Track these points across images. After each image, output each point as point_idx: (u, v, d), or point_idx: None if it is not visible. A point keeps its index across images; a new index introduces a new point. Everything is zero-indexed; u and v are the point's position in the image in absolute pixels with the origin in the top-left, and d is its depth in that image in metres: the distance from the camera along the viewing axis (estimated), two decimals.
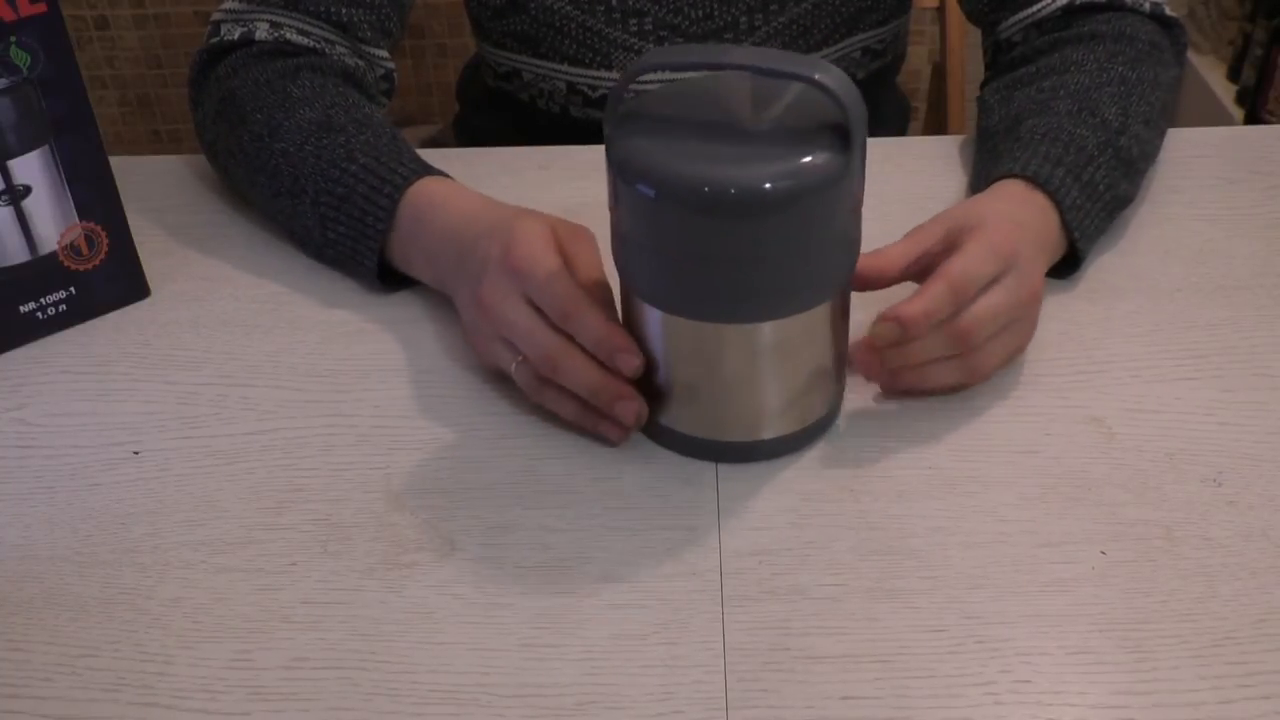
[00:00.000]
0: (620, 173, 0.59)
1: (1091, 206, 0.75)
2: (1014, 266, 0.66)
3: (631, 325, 0.64)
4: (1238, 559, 0.59)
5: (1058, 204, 0.73)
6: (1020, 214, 0.71)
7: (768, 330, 0.61)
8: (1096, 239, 0.77)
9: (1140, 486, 0.63)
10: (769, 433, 0.65)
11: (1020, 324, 0.68)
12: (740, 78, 0.64)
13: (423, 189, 0.75)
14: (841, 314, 0.63)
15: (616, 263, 0.63)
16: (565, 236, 0.67)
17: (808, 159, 0.57)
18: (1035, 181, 0.73)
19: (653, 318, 0.62)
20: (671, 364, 0.63)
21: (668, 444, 0.66)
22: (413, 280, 0.78)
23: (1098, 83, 0.80)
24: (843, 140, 0.58)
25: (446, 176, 0.78)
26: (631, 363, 0.63)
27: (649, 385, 0.65)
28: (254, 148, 0.80)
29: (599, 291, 0.65)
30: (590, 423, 0.66)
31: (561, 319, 0.64)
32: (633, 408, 0.64)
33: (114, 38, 2.10)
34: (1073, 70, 0.81)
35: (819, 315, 0.61)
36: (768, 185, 0.56)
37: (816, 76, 0.57)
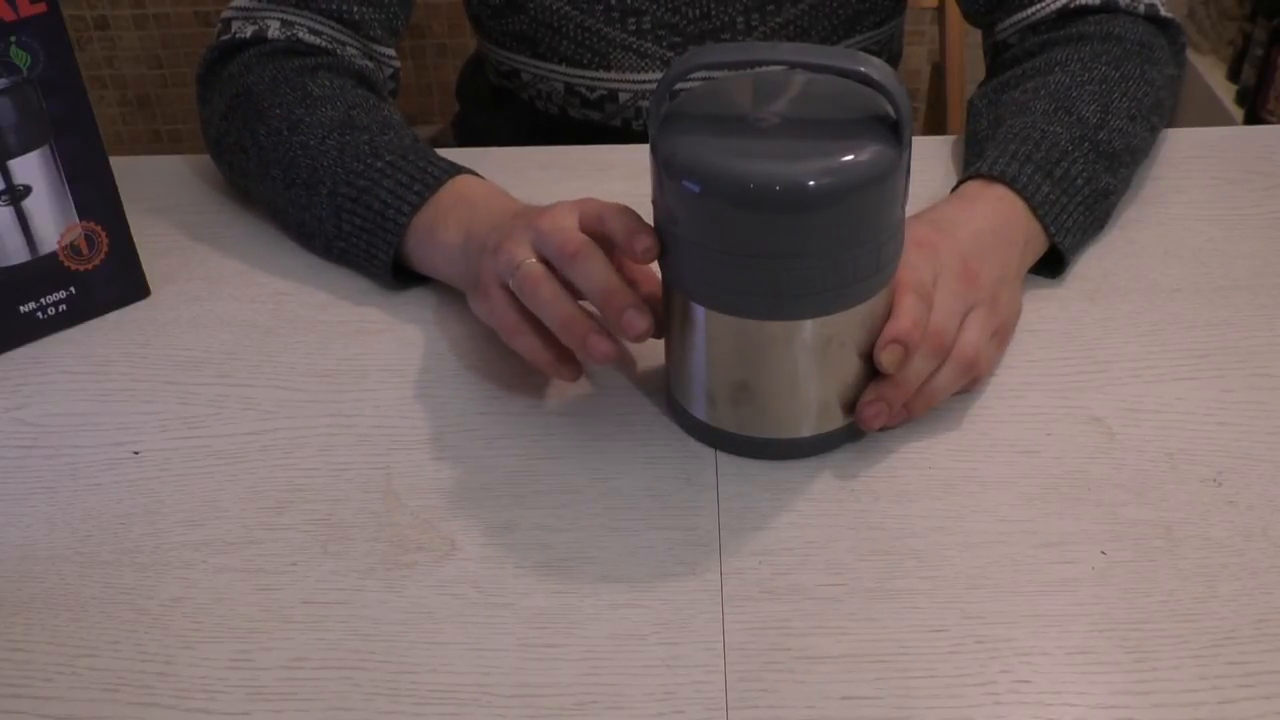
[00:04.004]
0: (665, 168, 0.59)
1: (1069, 201, 0.75)
2: (946, 268, 0.66)
3: (674, 322, 0.64)
4: (1238, 559, 0.59)
5: (1027, 200, 0.73)
6: (962, 214, 0.71)
7: (812, 327, 0.61)
8: (1082, 233, 0.77)
9: (1140, 486, 0.63)
10: (812, 429, 0.65)
11: (992, 301, 0.68)
12: (781, 74, 0.64)
13: (459, 185, 0.76)
14: (886, 310, 0.63)
15: (659, 260, 0.63)
16: (600, 210, 0.65)
17: (853, 154, 0.57)
18: (1003, 180, 0.73)
19: (696, 315, 0.62)
20: (715, 361, 0.63)
21: (708, 440, 0.66)
22: (419, 279, 0.78)
23: (1078, 81, 0.80)
24: (887, 134, 0.58)
25: (479, 175, 0.78)
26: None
27: (690, 381, 0.65)
28: (271, 141, 0.80)
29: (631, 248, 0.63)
30: (578, 336, 0.63)
31: (564, 261, 0.63)
32: (643, 321, 0.62)
33: (114, 38, 2.10)
34: (1056, 71, 0.82)
35: (864, 311, 0.61)
36: (811, 182, 0.56)
37: (863, 70, 0.57)
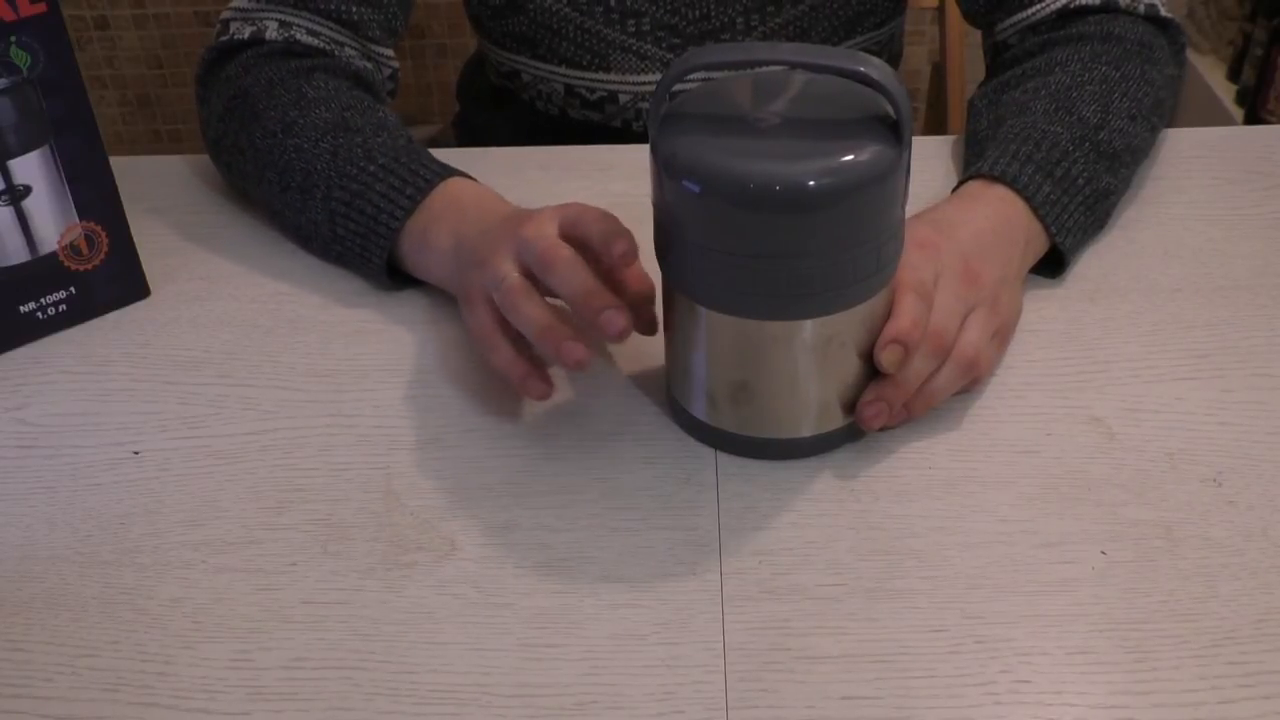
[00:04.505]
0: (665, 169, 0.59)
1: (1069, 201, 0.75)
2: (947, 268, 0.66)
3: (674, 322, 0.64)
4: (1238, 559, 0.59)
5: (1028, 200, 0.73)
6: (963, 214, 0.71)
7: (812, 327, 0.61)
8: (1083, 233, 0.77)
9: (1140, 486, 0.63)
10: (812, 429, 0.65)
11: (994, 301, 0.68)
12: (781, 74, 0.64)
13: (451, 189, 0.76)
14: (886, 310, 0.63)
15: (659, 260, 0.63)
16: (578, 215, 0.66)
17: (853, 154, 0.57)
18: (1004, 180, 0.73)
19: (697, 315, 0.62)
20: (715, 361, 0.63)
21: (708, 440, 0.66)
22: (417, 281, 0.78)
23: (1079, 82, 0.80)
24: (887, 134, 0.58)
25: (470, 178, 0.78)
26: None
27: (690, 381, 0.65)
28: (266, 144, 0.80)
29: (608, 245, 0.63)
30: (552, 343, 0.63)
31: (543, 270, 0.64)
32: (620, 320, 0.61)
33: (114, 38, 2.10)
34: (1056, 71, 0.82)
35: (864, 311, 0.61)
36: (811, 182, 0.56)
37: (863, 70, 0.57)
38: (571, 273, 0.63)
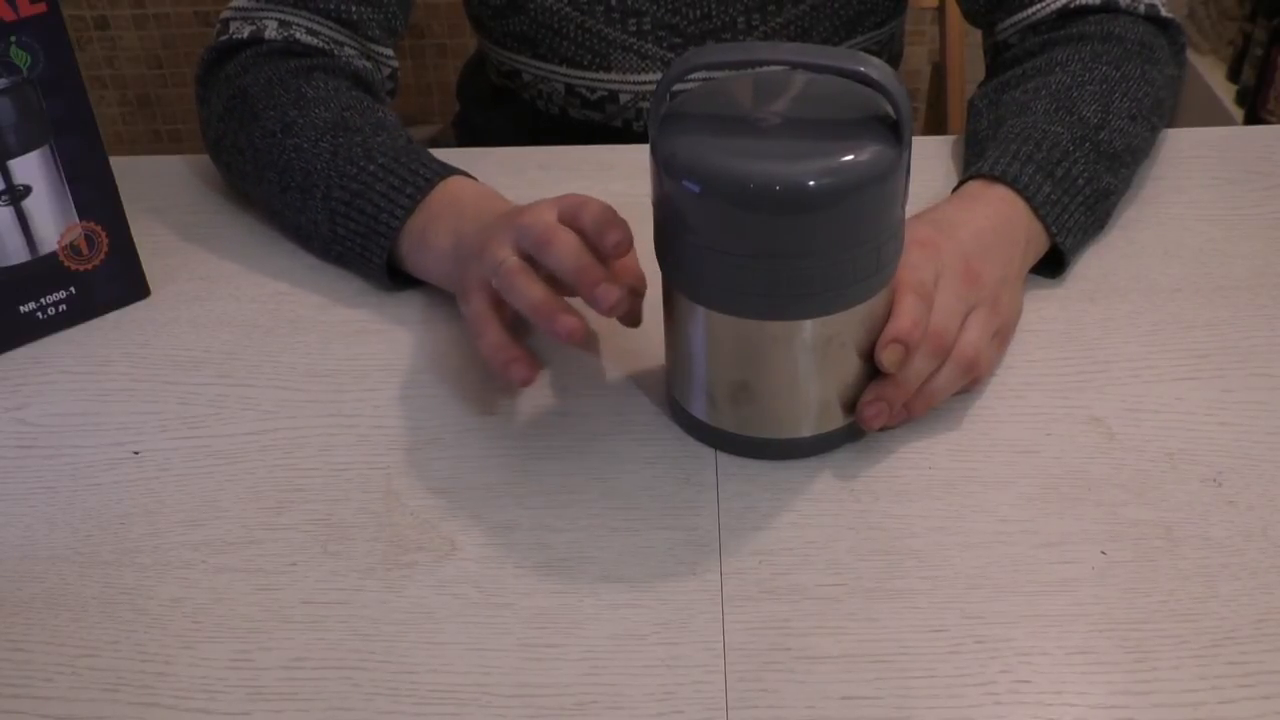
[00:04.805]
0: (665, 168, 0.59)
1: (1070, 201, 0.75)
2: (948, 267, 0.67)
3: (674, 322, 0.64)
4: (1238, 559, 0.59)
5: (1029, 200, 0.73)
6: (964, 214, 0.72)
7: (812, 327, 0.61)
8: (1083, 233, 0.77)
9: (1140, 486, 0.63)
10: (812, 429, 0.65)
11: (994, 301, 0.68)
12: (781, 74, 0.64)
13: (450, 187, 0.76)
14: (886, 310, 0.63)
15: (659, 260, 0.63)
16: (578, 205, 0.66)
17: (853, 154, 0.57)
18: (1004, 180, 0.73)
19: (696, 315, 0.62)
20: (715, 361, 0.63)
21: (708, 440, 0.66)
22: (418, 280, 0.78)
23: (1079, 82, 0.80)
24: (887, 134, 0.58)
25: (470, 176, 0.78)
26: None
27: (690, 381, 0.65)
28: (265, 144, 0.81)
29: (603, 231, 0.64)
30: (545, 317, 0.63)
31: (540, 249, 0.64)
32: (614, 292, 0.62)
33: (114, 38, 2.10)
34: (1057, 71, 0.82)
35: (864, 311, 0.61)
36: (811, 182, 0.56)
37: (863, 70, 0.57)
38: (568, 249, 0.63)
